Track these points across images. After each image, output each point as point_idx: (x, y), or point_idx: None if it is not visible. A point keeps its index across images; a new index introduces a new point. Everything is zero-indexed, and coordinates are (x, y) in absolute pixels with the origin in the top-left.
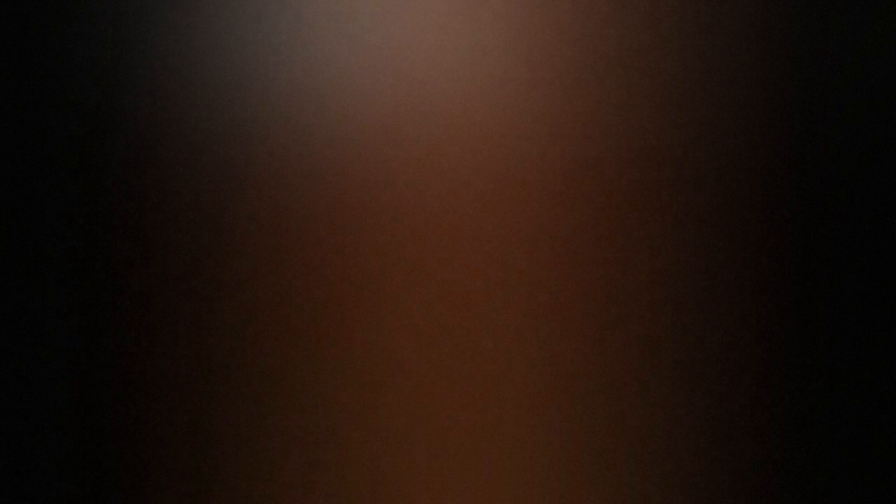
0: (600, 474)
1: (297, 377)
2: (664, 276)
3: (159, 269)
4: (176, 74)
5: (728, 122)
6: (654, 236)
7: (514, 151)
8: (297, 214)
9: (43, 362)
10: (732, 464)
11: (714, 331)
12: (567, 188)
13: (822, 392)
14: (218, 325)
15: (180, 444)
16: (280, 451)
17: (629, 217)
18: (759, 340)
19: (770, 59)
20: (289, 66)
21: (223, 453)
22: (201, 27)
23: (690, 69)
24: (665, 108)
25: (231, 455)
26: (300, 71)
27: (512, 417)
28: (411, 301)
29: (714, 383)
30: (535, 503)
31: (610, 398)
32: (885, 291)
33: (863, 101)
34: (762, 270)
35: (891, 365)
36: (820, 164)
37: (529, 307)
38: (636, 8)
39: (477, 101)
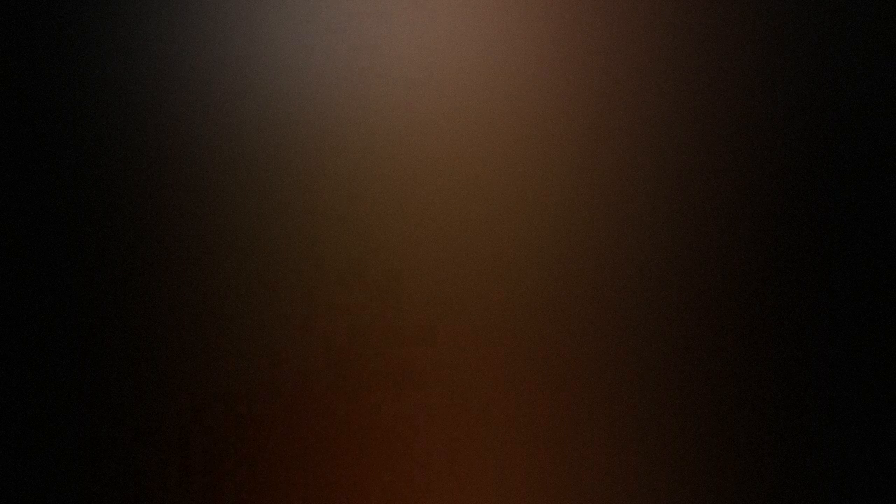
0: (601, 474)
1: (298, 376)
2: (664, 275)
3: (159, 269)
4: (176, 74)
5: (729, 121)
6: (654, 235)
7: (514, 150)
8: (298, 213)
9: (43, 362)
10: (733, 464)
11: (714, 329)
12: (567, 187)
13: (822, 392)
14: (218, 325)
15: (181, 443)
16: (281, 450)
17: (630, 215)
18: (759, 340)
19: (770, 58)
20: (289, 66)
21: (223, 453)
22: (201, 27)
23: (692, 69)
24: (666, 107)
25: (231, 454)
26: (300, 71)
27: (512, 417)
28: (411, 299)
29: (714, 383)
30: (535, 502)
31: (611, 398)
32: (885, 291)
33: (863, 100)
34: (762, 269)
35: (891, 365)
36: (820, 163)
37: (530, 305)
38: (638, 7)
39: (479, 101)
